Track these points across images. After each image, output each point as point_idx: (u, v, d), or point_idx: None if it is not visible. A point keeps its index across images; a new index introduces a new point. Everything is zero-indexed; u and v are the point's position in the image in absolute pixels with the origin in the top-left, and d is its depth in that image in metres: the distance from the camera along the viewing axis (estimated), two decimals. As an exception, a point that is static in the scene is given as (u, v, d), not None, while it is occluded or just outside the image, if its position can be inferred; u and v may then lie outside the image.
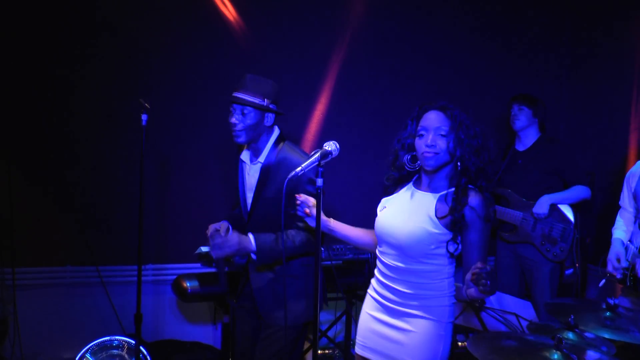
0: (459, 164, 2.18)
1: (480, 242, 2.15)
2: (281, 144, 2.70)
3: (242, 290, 2.85)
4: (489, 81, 4.56)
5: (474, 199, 2.15)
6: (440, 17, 4.43)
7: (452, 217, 2.14)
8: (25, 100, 3.55)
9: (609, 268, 3.12)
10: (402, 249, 2.21)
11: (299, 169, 2.19)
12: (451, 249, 2.16)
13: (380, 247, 2.32)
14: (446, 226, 2.16)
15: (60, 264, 3.68)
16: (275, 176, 2.64)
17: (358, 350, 2.36)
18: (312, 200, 2.37)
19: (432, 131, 2.20)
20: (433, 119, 2.21)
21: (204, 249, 3.46)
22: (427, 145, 2.19)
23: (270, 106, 2.65)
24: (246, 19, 3.95)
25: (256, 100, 2.61)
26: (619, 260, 3.08)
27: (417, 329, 2.19)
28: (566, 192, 3.79)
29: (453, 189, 2.19)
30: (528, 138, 3.93)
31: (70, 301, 3.70)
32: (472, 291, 2.05)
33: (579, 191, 3.77)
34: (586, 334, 2.19)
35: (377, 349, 2.28)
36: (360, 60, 4.23)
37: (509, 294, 3.39)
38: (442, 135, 2.19)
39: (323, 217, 2.38)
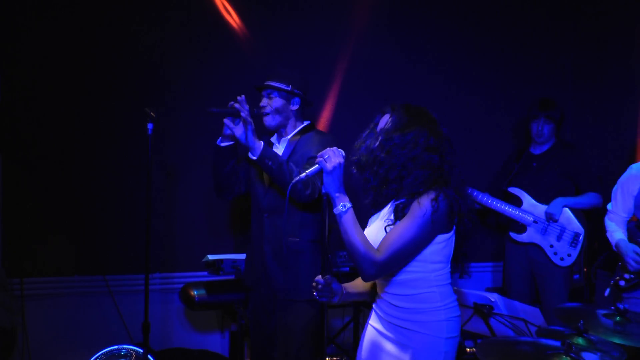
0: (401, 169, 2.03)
1: (401, 226, 1.97)
2: (310, 130, 2.97)
3: (261, 291, 2.90)
4: (495, 84, 4.54)
5: (422, 197, 1.99)
6: (445, 22, 4.43)
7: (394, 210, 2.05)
8: (32, 109, 3.57)
9: (634, 266, 3.05)
10: None
11: (303, 174, 2.20)
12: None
13: None
14: None
15: (68, 274, 3.68)
16: (301, 149, 2.86)
17: None
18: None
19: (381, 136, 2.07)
20: (381, 123, 2.13)
21: (211, 257, 3.47)
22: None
23: (295, 91, 2.89)
24: (251, 27, 3.96)
25: (281, 86, 2.88)
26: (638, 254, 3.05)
27: (413, 345, 2.04)
28: (580, 198, 3.79)
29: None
30: (545, 143, 3.94)
31: (78, 311, 3.70)
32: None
33: (592, 198, 3.78)
34: (596, 340, 2.17)
35: None
36: (366, 66, 4.23)
37: (518, 299, 3.38)
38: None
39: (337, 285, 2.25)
